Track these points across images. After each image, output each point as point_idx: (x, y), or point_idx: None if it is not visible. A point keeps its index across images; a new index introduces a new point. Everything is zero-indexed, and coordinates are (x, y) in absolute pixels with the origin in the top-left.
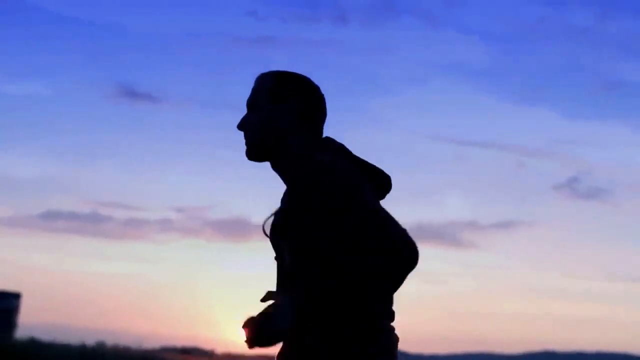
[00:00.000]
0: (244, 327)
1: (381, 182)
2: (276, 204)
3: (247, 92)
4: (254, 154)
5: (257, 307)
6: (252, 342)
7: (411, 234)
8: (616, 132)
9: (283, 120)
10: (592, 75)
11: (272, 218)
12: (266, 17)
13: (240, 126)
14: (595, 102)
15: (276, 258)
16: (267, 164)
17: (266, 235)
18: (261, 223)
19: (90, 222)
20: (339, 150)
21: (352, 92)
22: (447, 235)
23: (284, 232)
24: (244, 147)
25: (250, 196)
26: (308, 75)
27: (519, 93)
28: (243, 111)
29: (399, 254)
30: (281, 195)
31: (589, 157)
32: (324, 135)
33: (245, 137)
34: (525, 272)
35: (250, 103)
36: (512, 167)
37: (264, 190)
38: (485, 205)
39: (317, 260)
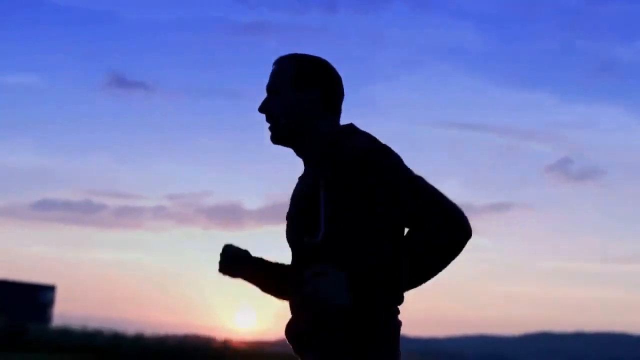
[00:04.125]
0: (223, 252)
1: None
2: (269, 190)
3: (239, 81)
4: (280, 139)
5: (252, 295)
6: (222, 268)
7: None
8: (609, 113)
9: (307, 105)
10: (586, 58)
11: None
12: (257, 4)
13: (262, 109)
14: (589, 84)
15: (290, 241)
16: (261, 153)
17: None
18: (255, 209)
19: (84, 211)
20: (366, 134)
21: (345, 78)
22: None
23: (313, 211)
24: (267, 132)
25: (243, 183)
26: None
27: (513, 76)
28: (237, 99)
29: (461, 226)
30: (278, 180)
31: (582, 139)
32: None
33: (269, 121)
34: (520, 254)
35: (272, 87)
36: (506, 150)
37: (256, 177)
38: (479, 187)
39: (363, 240)
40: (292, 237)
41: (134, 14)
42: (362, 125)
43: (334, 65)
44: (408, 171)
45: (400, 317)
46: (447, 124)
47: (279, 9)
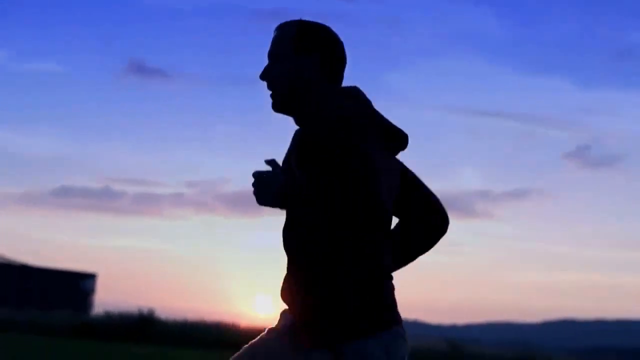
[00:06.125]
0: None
1: (394, 139)
2: None
3: (258, 67)
4: (281, 105)
5: (274, 285)
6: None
7: None
8: (628, 99)
9: (309, 71)
10: (605, 44)
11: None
12: None
13: (263, 76)
14: (607, 71)
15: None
16: (280, 136)
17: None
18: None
19: (103, 198)
20: (360, 101)
21: (364, 64)
22: (461, 205)
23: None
24: (269, 99)
25: (261, 169)
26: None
27: (531, 63)
28: (256, 85)
29: (445, 216)
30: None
31: (600, 126)
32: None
33: (270, 88)
34: (540, 241)
35: (273, 53)
36: (525, 137)
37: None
38: (498, 174)
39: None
40: None
41: (153, 1)
42: (381, 111)
43: (355, 51)
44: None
45: (421, 303)
46: (466, 110)
47: None
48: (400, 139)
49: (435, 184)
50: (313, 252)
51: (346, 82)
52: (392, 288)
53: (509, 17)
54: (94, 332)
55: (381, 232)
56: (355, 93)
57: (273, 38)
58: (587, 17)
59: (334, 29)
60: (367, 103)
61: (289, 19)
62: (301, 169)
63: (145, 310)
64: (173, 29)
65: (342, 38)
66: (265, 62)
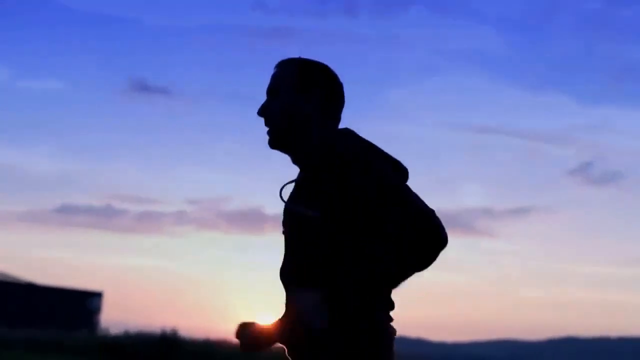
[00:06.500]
0: (236, 335)
1: (398, 173)
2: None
3: (259, 85)
4: (277, 143)
5: (273, 298)
6: (241, 347)
7: None
8: (631, 116)
9: (307, 109)
10: (607, 61)
11: (291, 185)
12: (276, 10)
13: (261, 112)
14: (610, 88)
15: (284, 232)
16: (281, 157)
17: (282, 200)
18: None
19: (105, 216)
20: (359, 139)
21: (367, 83)
22: (463, 223)
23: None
24: (265, 136)
25: (264, 188)
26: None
27: (534, 80)
28: (256, 104)
29: (441, 239)
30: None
31: (603, 142)
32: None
33: (268, 124)
34: (542, 259)
35: (273, 89)
36: (527, 154)
37: (277, 181)
38: (501, 192)
39: (344, 253)
40: (292, 252)
41: (155, 20)
42: (382, 129)
43: (356, 67)
44: (394, 179)
45: (424, 321)
46: (467, 127)
47: (298, 14)
48: (403, 173)
49: (437, 202)
50: (313, 254)
51: (348, 98)
52: (393, 332)
53: (511, 34)
54: (115, 352)
55: (383, 239)
56: (349, 131)
57: (273, 75)
58: (590, 34)
59: (336, 46)
60: (364, 139)
61: (290, 37)
62: (308, 202)
63: (168, 330)
64: (175, 46)
65: (343, 55)
66: (267, 81)
